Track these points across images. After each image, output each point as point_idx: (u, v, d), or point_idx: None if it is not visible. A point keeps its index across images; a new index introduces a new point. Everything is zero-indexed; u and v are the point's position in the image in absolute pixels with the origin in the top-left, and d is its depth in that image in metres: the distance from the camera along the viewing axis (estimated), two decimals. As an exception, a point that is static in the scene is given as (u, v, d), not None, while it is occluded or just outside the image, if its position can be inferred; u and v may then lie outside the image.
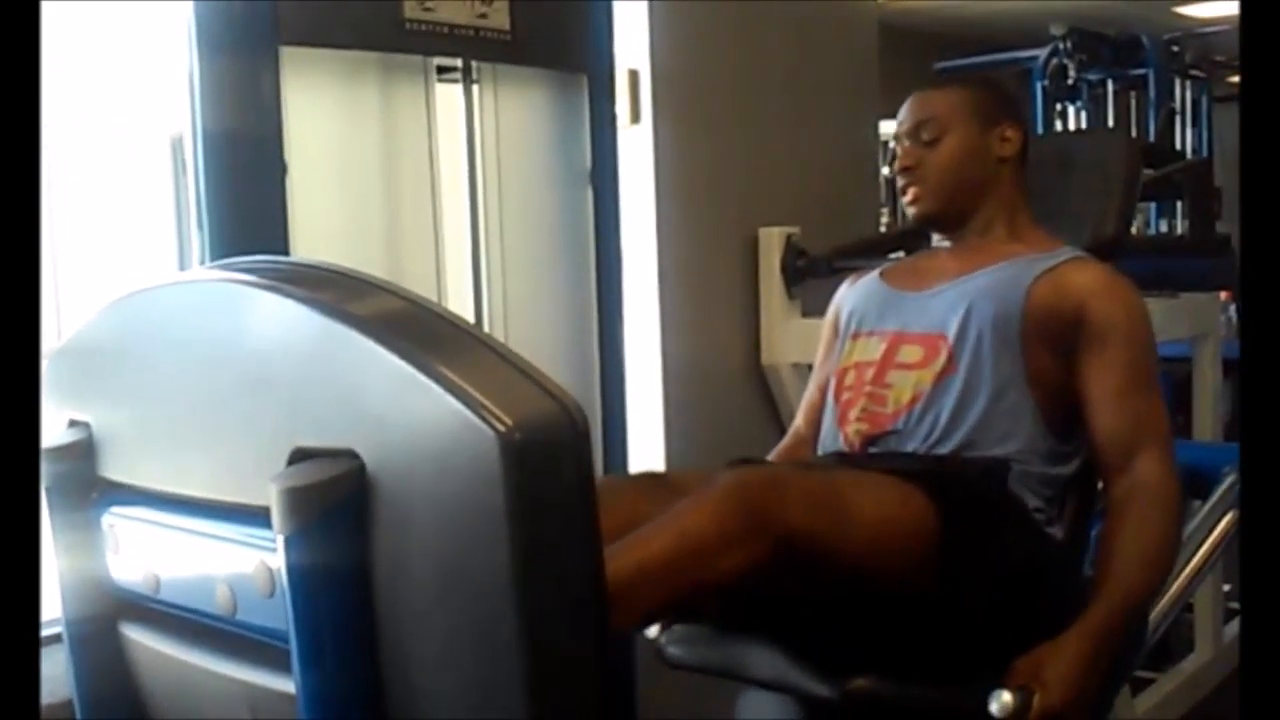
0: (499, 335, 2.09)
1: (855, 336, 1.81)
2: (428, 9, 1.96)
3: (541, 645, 0.80)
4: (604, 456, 2.26)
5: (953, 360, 1.68)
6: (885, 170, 3.87)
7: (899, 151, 1.81)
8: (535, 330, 2.22)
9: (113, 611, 1.09)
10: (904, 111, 1.82)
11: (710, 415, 2.58)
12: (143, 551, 1.06)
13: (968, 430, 1.65)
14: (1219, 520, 2.05)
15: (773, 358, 2.68)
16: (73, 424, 1.10)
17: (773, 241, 2.67)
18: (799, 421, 1.94)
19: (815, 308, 2.03)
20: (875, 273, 1.90)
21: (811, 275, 2.63)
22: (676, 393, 2.51)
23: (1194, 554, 2.02)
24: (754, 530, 1.34)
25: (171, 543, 1.02)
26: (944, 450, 1.65)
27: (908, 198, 1.80)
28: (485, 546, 0.80)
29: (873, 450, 1.69)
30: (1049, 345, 1.67)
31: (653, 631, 1.67)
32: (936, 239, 1.87)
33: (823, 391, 1.86)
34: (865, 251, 2.49)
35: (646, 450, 2.44)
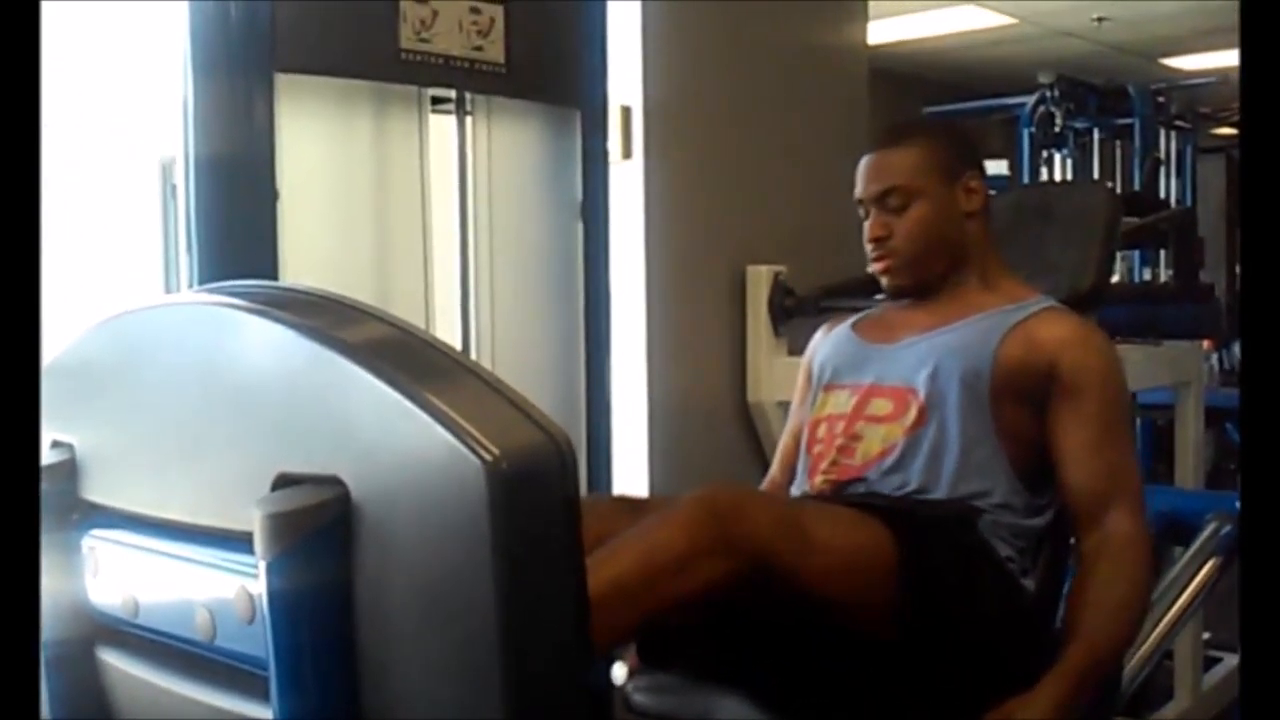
0: (486, 365, 2.09)
1: (828, 389, 1.81)
2: (424, 39, 1.97)
3: (524, 674, 0.79)
4: (588, 488, 2.26)
5: (923, 415, 1.67)
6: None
7: (868, 219, 1.78)
8: (522, 361, 2.22)
9: (90, 635, 1.08)
10: (865, 174, 1.78)
11: (695, 450, 2.58)
12: (122, 575, 1.05)
13: (940, 485, 1.64)
14: (1200, 568, 2.05)
15: (758, 395, 2.69)
16: (55, 445, 1.09)
17: (760, 279, 2.68)
18: (774, 470, 1.94)
19: (801, 347, 2.04)
20: (847, 324, 1.89)
21: (798, 314, 2.65)
22: (662, 427, 2.52)
23: (1174, 601, 2.02)
24: (721, 544, 1.34)
25: (151, 567, 1.01)
26: None
27: (880, 267, 1.78)
28: (469, 576, 0.79)
29: (845, 494, 1.68)
30: (1020, 400, 1.66)
31: (620, 677, 1.65)
32: None
33: (796, 439, 1.86)
34: (852, 291, 2.50)
35: (630, 483, 2.44)
